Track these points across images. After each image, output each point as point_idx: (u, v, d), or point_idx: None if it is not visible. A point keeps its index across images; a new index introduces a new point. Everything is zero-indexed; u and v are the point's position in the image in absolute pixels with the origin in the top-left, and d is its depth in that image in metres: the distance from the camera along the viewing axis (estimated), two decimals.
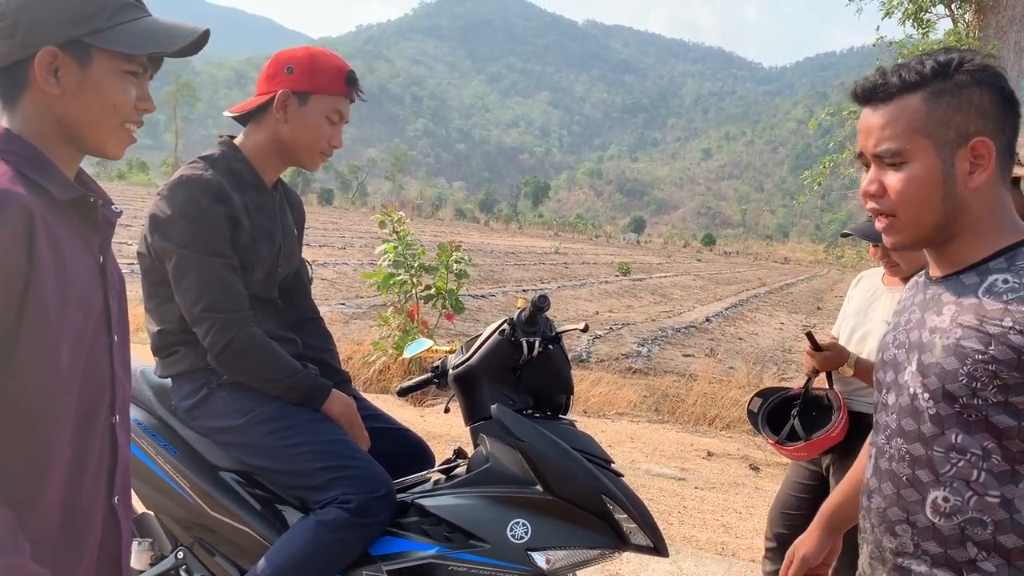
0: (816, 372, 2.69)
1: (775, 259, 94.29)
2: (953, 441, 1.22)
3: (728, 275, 42.12)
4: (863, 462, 1.61)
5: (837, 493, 1.70)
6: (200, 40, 1.31)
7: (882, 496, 1.33)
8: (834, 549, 1.72)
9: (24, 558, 1.13)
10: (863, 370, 2.58)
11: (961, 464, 1.21)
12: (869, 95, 1.29)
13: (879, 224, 1.33)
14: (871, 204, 1.32)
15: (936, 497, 1.24)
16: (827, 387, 2.71)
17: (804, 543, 1.72)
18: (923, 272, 1.41)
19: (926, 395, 1.25)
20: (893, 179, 1.27)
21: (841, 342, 2.78)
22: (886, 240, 1.34)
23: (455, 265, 8.08)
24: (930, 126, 1.23)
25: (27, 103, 1.25)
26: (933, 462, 1.24)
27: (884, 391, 1.36)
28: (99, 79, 1.26)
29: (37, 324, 1.17)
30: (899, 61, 1.35)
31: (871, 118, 1.29)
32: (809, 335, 2.69)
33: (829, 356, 2.63)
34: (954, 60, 1.24)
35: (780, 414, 2.75)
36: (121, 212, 1.43)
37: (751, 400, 2.82)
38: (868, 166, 1.32)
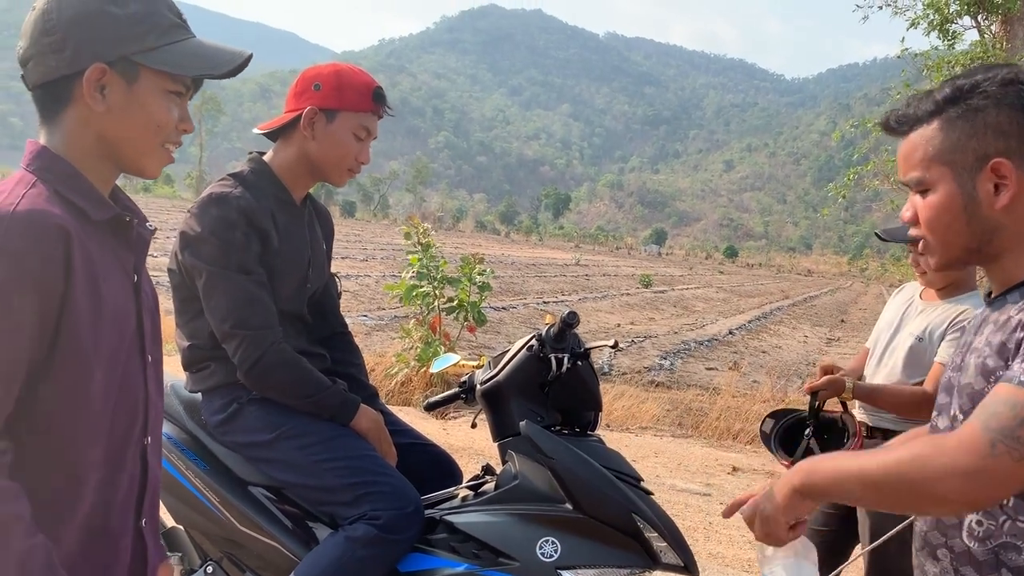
0: (816, 394, 2.66)
1: (798, 271, 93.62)
2: None
3: (751, 287, 41.86)
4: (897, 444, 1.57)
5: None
6: (244, 63, 1.32)
7: (925, 520, 1.32)
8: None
9: None
10: (862, 395, 2.58)
11: None
12: (892, 128, 1.32)
13: (920, 246, 1.35)
14: (912, 230, 1.34)
15: (971, 521, 1.22)
16: (842, 410, 2.69)
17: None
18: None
19: (961, 416, 1.24)
20: (921, 206, 1.29)
21: (875, 354, 2.76)
22: (928, 261, 1.35)
23: (478, 277, 8.09)
24: (945, 153, 1.24)
25: (69, 119, 1.25)
26: None
27: (936, 413, 1.35)
28: (145, 98, 1.26)
29: (72, 347, 1.17)
30: (923, 74, 1.35)
31: (900, 148, 1.32)
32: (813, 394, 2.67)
33: (827, 392, 2.63)
34: (968, 84, 1.23)
35: (793, 436, 2.74)
36: (155, 229, 1.43)
37: (763, 421, 2.82)
38: None
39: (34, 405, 1.17)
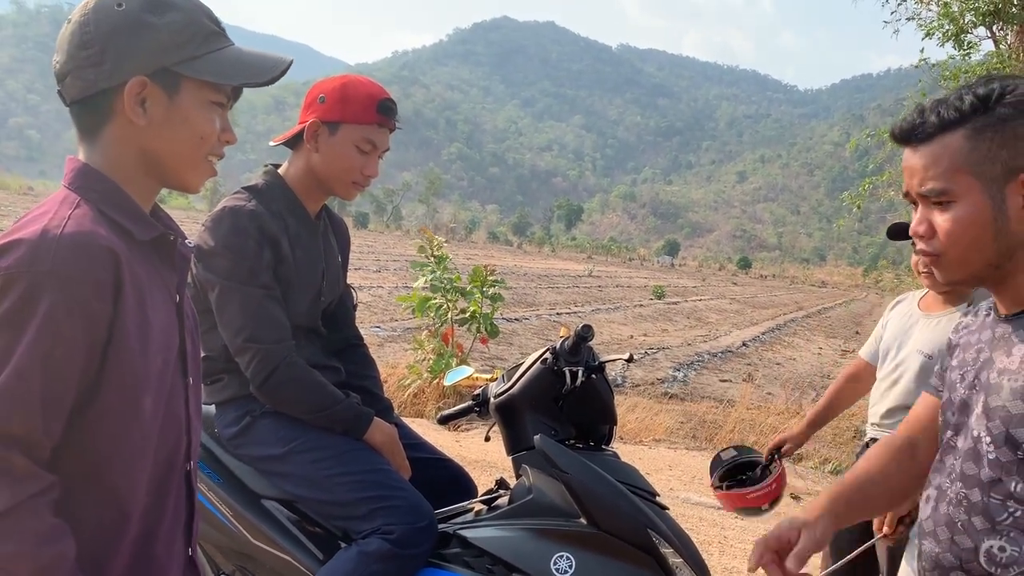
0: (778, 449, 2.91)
1: (812, 283, 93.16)
2: (1012, 489, 1.16)
3: (764, 299, 41.67)
4: (877, 451, 1.48)
5: (849, 478, 1.45)
6: (285, 70, 1.28)
7: (936, 541, 1.27)
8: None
9: None
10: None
11: (1019, 514, 1.16)
12: (908, 136, 1.25)
13: (927, 262, 1.29)
14: (921, 245, 1.27)
15: (991, 546, 1.18)
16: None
17: (810, 526, 1.31)
18: (989, 307, 1.35)
19: (988, 439, 1.19)
20: (941, 219, 1.23)
21: (884, 372, 2.74)
22: (937, 276, 1.29)
23: (490, 289, 8.08)
24: (974, 163, 1.19)
25: (109, 134, 1.21)
26: (989, 509, 1.18)
27: (952, 432, 1.30)
28: (187, 110, 1.22)
29: (119, 373, 1.14)
30: (940, 84, 1.30)
31: (912, 159, 1.25)
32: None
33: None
34: (994, 92, 1.19)
35: (740, 469, 2.93)
36: (194, 246, 1.39)
37: (725, 449, 3.00)
38: (916, 204, 1.28)
39: (82, 434, 1.14)
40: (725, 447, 3.02)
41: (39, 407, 1.07)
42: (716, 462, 2.94)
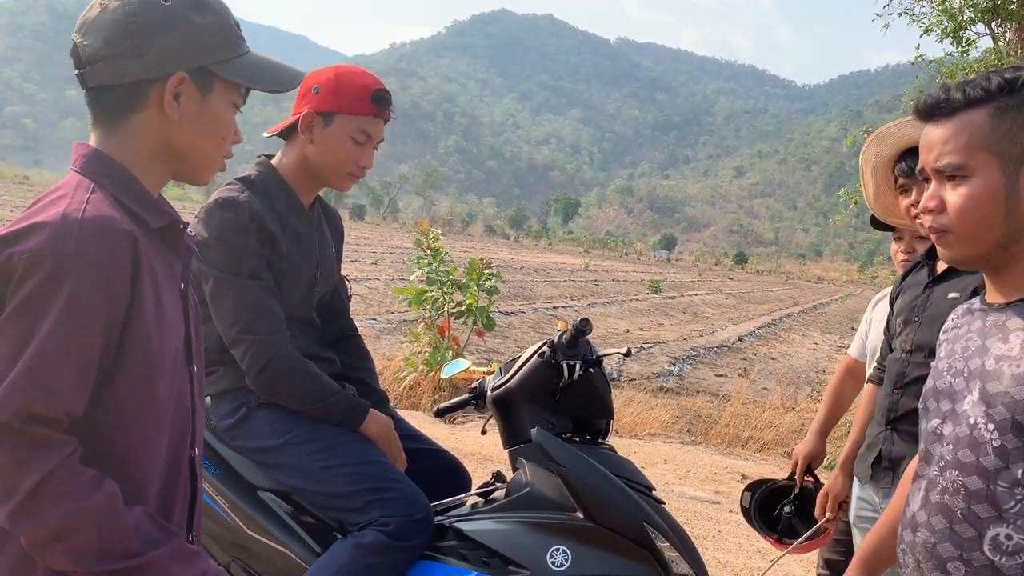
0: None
1: (808, 278, 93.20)
2: (1019, 476, 1.16)
3: (760, 294, 41.72)
4: (900, 499, 1.55)
5: (875, 532, 1.63)
6: (300, 80, 1.37)
7: (931, 530, 1.26)
8: None
9: (181, 540, 1.16)
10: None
11: None
12: (932, 110, 1.27)
13: (934, 238, 1.30)
14: (929, 221, 1.29)
15: (998, 534, 1.17)
16: (813, 481, 2.75)
17: None
18: (977, 299, 1.36)
19: (990, 426, 1.19)
20: (953, 195, 1.24)
21: (870, 370, 2.75)
22: (941, 254, 1.30)
23: (486, 282, 8.08)
24: (994, 142, 1.21)
25: (135, 124, 1.22)
26: (996, 497, 1.18)
27: (939, 421, 1.30)
28: (216, 109, 1.26)
29: (137, 357, 1.15)
30: (938, 80, 1.31)
31: (933, 133, 1.27)
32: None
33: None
34: (1021, 77, 1.21)
35: (772, 505, 2.78)
36: (195, 235, 1.43)
37: (742, 496, 2.85)
38: (928, 181, 1.30)
39: (99, 418, 1.15)
40: (741, 493, 2.86)
41: (62, 388, 1.09)
42: (747, 514, 2.80)
